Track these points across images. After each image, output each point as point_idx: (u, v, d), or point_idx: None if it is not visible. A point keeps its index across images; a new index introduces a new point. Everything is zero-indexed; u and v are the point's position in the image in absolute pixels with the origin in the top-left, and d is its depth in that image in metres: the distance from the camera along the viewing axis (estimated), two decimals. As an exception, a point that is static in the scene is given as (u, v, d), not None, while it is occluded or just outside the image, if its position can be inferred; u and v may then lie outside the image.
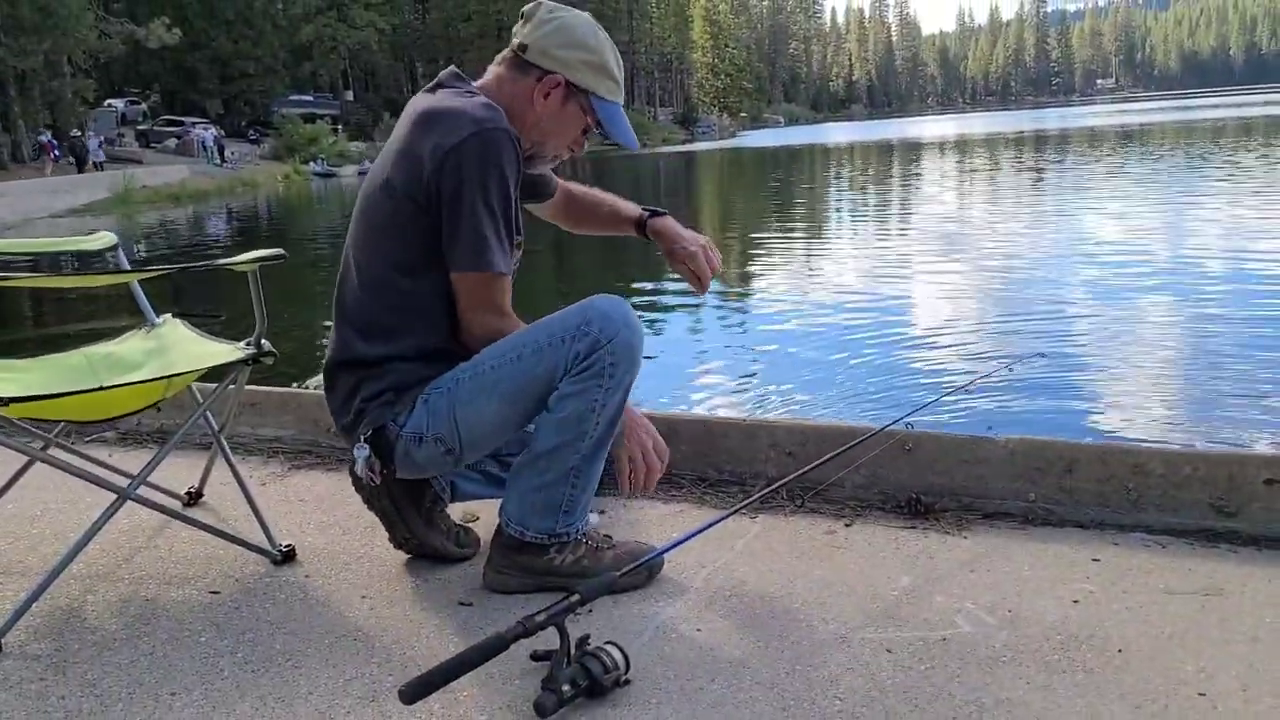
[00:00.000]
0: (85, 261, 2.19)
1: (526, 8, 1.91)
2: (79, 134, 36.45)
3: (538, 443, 1.81)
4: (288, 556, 2.09)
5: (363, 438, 1.84)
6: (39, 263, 2.09)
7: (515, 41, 1.90)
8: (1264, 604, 1.72)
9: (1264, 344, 5.76)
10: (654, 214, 2.18)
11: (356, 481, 2.00)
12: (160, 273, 2.10)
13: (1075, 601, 1.76)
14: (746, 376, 5.96)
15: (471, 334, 1.84)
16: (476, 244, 1.77)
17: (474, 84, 1.90)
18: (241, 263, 1.93)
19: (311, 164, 44.39)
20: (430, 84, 1.92)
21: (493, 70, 1.93)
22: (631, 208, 2.22)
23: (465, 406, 1.79)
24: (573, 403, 1.76)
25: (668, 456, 1.93)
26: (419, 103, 1.86)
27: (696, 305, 8.79)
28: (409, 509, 1.98)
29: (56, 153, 34.90)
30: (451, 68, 1.96)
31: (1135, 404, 4.86)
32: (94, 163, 34.87)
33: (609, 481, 1.99)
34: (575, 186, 2.29)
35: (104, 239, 2.42)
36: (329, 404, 1.95)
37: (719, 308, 8.75)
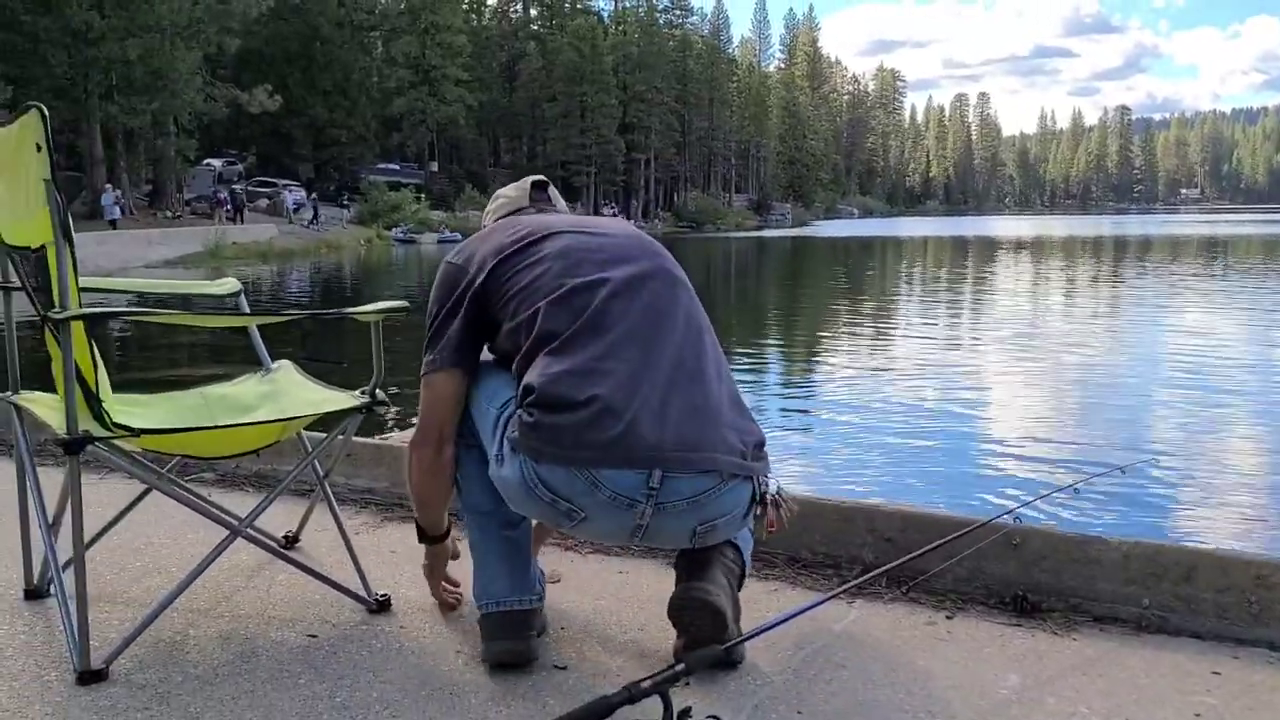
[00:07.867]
0: (211, 305, 2.27)
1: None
2: (239, 188, 40.79)
3: None
4: (383, 606, 2.10)
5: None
6: (172, 302, 2.17)
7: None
8: (1403, 733, 1.62)
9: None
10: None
11: None
12: (288, 318, 2.17)
13: (1197, 715, 1.68)
14: (839, 459, 5.88)
15: None
16: None
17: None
18: (367, 313, 1.98)
19: (394, 230, 45.61)
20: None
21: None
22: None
23: None
24: None
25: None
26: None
27: (787, 389, 8.74)
28: None
29: (229, 207, 37.87)
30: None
31: (1249, 515, 4.68)
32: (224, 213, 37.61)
33: None
34: None
35: (229, 284, 2.52)
36: None
37: (807, 391, 8.71)
